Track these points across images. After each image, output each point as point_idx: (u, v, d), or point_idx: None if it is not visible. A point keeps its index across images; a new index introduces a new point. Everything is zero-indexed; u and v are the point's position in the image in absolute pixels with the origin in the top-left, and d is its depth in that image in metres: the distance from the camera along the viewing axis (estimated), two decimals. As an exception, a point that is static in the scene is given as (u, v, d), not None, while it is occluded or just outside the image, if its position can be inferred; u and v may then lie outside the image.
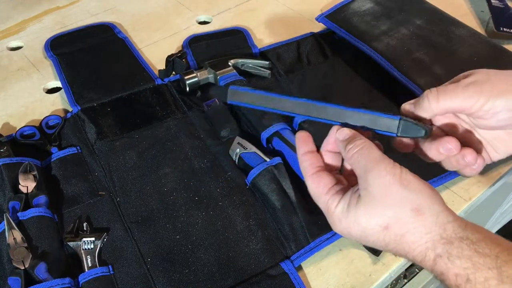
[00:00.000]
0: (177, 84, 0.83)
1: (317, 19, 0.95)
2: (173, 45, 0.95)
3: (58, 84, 0.87)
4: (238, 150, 0.70)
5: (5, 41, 0.97)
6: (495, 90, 0.41)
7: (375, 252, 0.60)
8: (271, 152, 0.71)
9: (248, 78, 0.83)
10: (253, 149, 0.69)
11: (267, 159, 0.67)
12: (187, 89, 0.81)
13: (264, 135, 0.72)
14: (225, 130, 0.74)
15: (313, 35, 0.94)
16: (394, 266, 0.60)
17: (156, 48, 0.95)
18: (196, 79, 0.81)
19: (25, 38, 0.98)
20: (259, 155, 0.68)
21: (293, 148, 0.68)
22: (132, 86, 0.82)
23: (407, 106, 0.46)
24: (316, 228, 0.61)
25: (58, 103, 0.83)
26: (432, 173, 0.68)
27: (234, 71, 0.82)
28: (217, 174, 0.69)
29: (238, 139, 0.71)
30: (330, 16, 0.94)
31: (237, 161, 0.70)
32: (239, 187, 0.67)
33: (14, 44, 0.97)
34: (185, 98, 0.81)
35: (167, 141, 0.74)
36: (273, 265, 0.59)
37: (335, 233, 0.61)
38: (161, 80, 0.84)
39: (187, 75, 0.81)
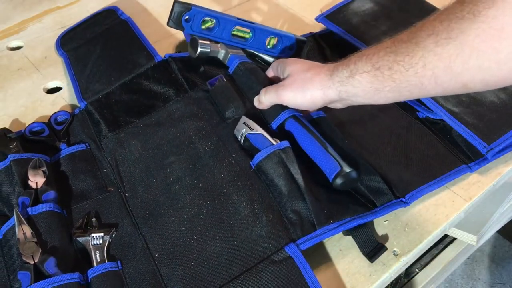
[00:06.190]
0: (179, 60, 0.81)
1: (317, 19, 0.94)
2: (173, 45, 0.95)
3: (58, 84, 0.88)
4: (244, 130, 0.68)
5: (5, 41, 0.98)
6: None
7: (370, 258, 0.60)
8: (277, 135, 0.68)
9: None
10: (260, 130, 0.67)
11: (274, 142, 0.65)
12: (197, 53, 0.77)
13: (281, 117, 0.69)
14: (230, 111, 0.72)
15: (313, 35, 0.94)
16: (394, 266, 0.60)
17: (156, 47, 0.94)
18: (209, 48, 0.78)
19: (25, 38, 0.98)
20: (266, 137, 0.66)
21: (310, 131, 0.66)
22: (133, 69, 0.81)
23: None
24: (323, 216, 0.60)
25: (58, 103, 0.83)
26: (432, 174, 0.68)
27: (245, 55, 0.81)
28: (221, 158, 0.68)
29: (244, 118, 0.69)
30: (330, 16, 0.94)
31: (242, 141, 0.68)
32: (243, 170, 0.66)
33: (14, 44, 0.97)
34: (187, 74, 0.79)
35: (171, 127, 0.73)
36: (278, 250, 0.58)
37: (342, 223, 0.60)
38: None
39: (202, 39, 0.78)
